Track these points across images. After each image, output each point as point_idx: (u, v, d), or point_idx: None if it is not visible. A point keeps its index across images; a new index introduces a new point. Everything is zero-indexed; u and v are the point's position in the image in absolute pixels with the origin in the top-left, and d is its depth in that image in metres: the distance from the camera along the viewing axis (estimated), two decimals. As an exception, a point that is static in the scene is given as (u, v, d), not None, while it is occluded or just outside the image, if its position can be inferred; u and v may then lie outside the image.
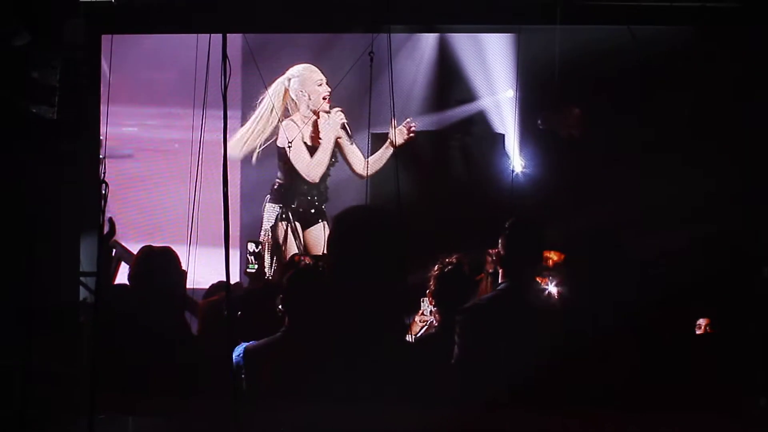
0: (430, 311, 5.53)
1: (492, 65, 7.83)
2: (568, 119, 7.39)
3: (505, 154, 7.42)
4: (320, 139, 7.40)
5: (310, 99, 7.44)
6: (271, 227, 7.39)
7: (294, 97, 7.43)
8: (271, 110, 7.40)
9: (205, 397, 4.85)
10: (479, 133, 7.67)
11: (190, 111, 6.28)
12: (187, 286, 5.54)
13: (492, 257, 5.75)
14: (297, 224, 7.33)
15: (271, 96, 7.34)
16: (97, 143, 7.39)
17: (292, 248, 7.38)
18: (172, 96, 8.19)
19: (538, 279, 5.13)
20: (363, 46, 6.91)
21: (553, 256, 5.89)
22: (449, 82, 7.86)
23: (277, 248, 7.28)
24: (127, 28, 7.40)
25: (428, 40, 8.16)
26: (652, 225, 6.69)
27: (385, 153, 7.46)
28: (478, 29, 7.82)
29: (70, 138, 6.62)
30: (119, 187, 7.61)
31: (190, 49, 6.63)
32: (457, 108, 7.95)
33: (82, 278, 6.77)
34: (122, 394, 5.01)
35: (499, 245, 4.89)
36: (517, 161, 7.51)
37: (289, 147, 7.34)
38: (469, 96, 7.75)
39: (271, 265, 7.22)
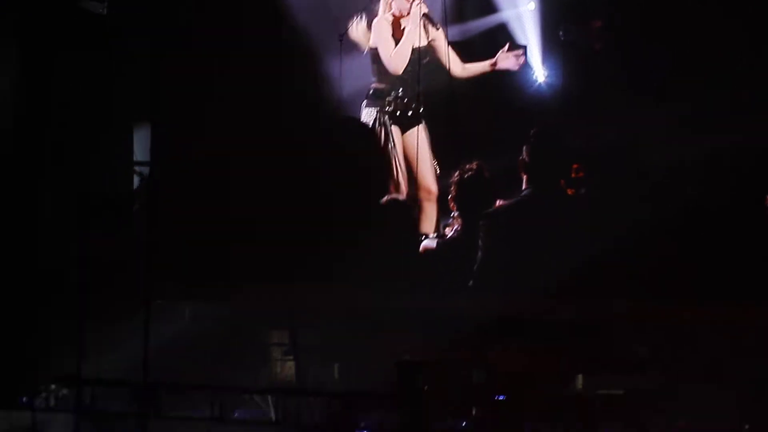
0: (453, 216, 5.69)
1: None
2: (589, 32, 7.43)
3: (528, 65, 7.34)
4: (402, 30, 7.02)
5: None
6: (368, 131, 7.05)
7: None
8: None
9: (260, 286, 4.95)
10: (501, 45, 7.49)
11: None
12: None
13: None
14: (394, 128, 7.02)
15: None
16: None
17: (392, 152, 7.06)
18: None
19: (563, 187, 5.34)
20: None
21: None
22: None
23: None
24: None
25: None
26: (669, 139, 6.71)
27: (484, 68, 7.10)
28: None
29: (120, 34, 6.58)
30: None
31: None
32: (478, 20, 7.78)
33: (136, 167, 6.79)
34: (178, 281, 5.09)
35: (524, 153, 5.14)
36: (539, 72, 7.54)
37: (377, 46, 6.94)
38: (490, 8, 7.61)
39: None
